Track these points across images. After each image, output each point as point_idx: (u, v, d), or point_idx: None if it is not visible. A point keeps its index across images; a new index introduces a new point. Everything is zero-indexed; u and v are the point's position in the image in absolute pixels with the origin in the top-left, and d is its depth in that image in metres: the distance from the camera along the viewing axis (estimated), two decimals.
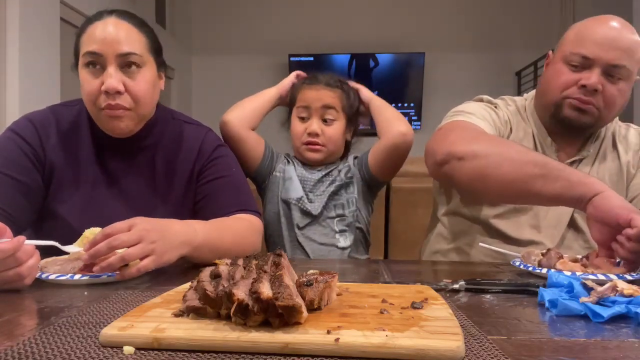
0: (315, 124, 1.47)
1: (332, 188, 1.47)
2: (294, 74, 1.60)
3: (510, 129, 1.29)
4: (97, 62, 1.05)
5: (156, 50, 1.14)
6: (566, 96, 1.18)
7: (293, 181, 1.48)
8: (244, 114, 1.48)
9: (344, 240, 1.47)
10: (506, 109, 1.32)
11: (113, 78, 1.04)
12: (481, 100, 1.34)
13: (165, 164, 1.19)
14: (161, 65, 1.16)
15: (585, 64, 1.15)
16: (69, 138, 1.14)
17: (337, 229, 1.47)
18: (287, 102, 1.57)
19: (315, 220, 1.47)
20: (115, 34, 1.05)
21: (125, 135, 1.12)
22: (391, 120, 1.47)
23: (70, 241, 0.95)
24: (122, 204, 1.14)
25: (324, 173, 1.50)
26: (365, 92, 1.58)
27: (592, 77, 1.14)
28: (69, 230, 1.09)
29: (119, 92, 1.04)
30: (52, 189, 1.12)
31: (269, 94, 1.55)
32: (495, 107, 1.31)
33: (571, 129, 1.22)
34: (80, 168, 1.13)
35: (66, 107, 1.18)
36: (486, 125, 1.20)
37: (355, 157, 1.57)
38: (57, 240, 0.92)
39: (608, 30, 1.15)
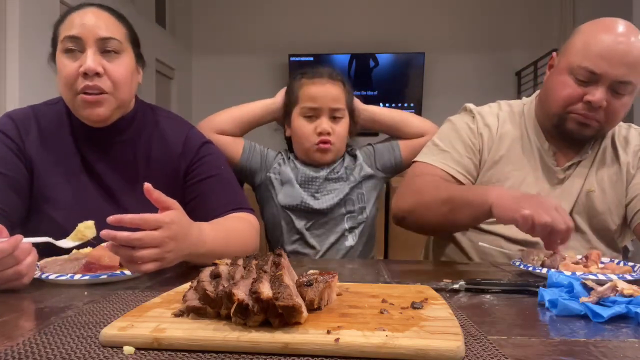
0: (325, 123, 1.42)
1: (346, 189, 1.45)
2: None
3: (495, 130, 1.30)
4: (75, 47, 1.05)
5: (134, 41, 1.14)
6: (570, 111, 1.17)
7: (292, 185, 1.45)
8: (216, 118, 1.46)
9: (352, 239, 1.46)
10: (491, 115, 1.32)
11: (91, 59, 1.03)
12: (465, 110, 1.36)
13: (146, 157, 1.18)
14: (139, 58, 1.16)
15: (591, 78, 1.13)
16: (49, 135, 1.14)
17: (347, 226, 1.46)
18: (282, 115, 1.52)
19: (323, 217, 1.44)
20: (95, 20, 1.06)
21: (103, 123, 1.11)
22: (417, 121, 1.52)
23: (56, 237, 0.94)
24: (105, 199, 1.14)
25: (328, 171, 1.47)
26: (359, 102, 1.55)
27: (597, 94, 1.12)
28: (55, 226, 1.08)
29: (97, 74, 1.04)
30: (35, 186, 1.11)
31: (258, 102, 1.51)
32: (473, 117, 1.32)
33: (572, 139, 1.22)
34: (62, 164, 1.13)
35: (47, 105, 1.18)
36: (445, 156, 1.29)
37: (362, 149, 1.54)
38: (44, 236, 0.91)
39: (616, 43, 1.11)
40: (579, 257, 1.03)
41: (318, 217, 1.45)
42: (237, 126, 1.47)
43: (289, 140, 1.55)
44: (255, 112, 1.50)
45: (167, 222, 0.83)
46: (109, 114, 1.09)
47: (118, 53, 1.08)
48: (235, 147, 1.46)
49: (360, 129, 1.55)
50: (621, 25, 1.14)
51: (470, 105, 1.35)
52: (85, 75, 1.03)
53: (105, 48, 1.06)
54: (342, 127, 1.45)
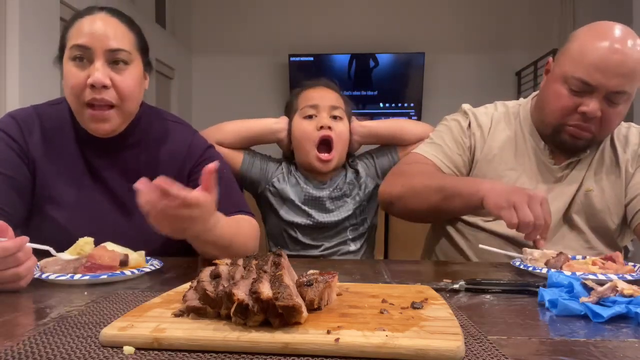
0: (325, 118, 1.42)
1: (351, 209, 1.45)
2: None
3: (488, 130, 1.32)
4: (84, 56, 1.04)
5: (143, 49, 1.14)
6: (566, 123, 1.17)
7: (295, 205, 1.44)
8: (219, 130, 1.46)
9: (355, 245, 1.47)
10: (485, 115, 1.33)
11: (100, 72, 1.02)
12: (461, 110, 1.38)
13: (150, 161, 1.18)
14: (147, 64, 1.16)
15: (585, 89, 1.12)
16: (52, 136, 1.13)
17: (350, 236, 1.47)
18: (287, 146, 1.52)
19: (327, 230, 1.45)
20: (104, 29, 1.04)
21: (109, 135, 1.11)
22: (415, 128, 1.51)
23: (58, 238, 0.94)
24: (108, 201, 1.13)
25: (331, 189, 1.46)
26: (354, 120, 1.53)
27: (592, 105, 1.11)
28: (58, 227, 1.09)
29: (105, 87, 1.03)
30: (37, 186, 1.11)
31: (262, 121, 1.50)
32: (466, 117, 1.34)
33: (564, 150, 1.23)
34: (65, 165, 1.13)
35: (50, 106, 1.18)
36: (436, 149, 1.31)
37: (361, 159, 1.54)
38: (46, 237, 0.91)
39: (611, 53, 1.09)
40: (580, 257, 1.03)
41: (322, 231, 1.46)
42: (239, 141, 1.47)
43: (291, 155, 1.53)
44: (257, 131, 1.49)
45: (201, 205, 0.84)
46: (115, 127, 1.09)
47: (127, 64, 1.07)
48: (234, 158, 1.46)
49: (359, 146, 1.55)
50: (617, 30, 1.12)
51: (466, 106, 1.38)
52: (93, 87, 1.03)
53: (113, 59, 1.05)
54: (341, 128, 1.45)
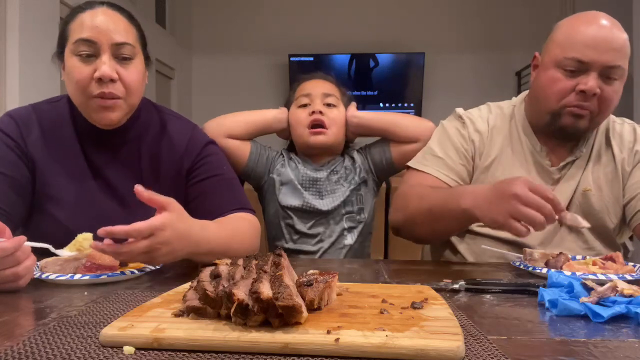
0: (317, 105, 1.45)
1: (347, 192, 1.46)
2: None
3: (486, 136, 1.30)
4: (89, 50, 1.04)
5: (144, 43, 1.15)
6: (565, 104, 1.16)
7: (293, 186, 1.46)
8: (226, 121, 1.45)
9: (351, 238, 1.47)
10: (481, 119, 1.32)
11: (107, 65, 1.03)
12: (455, 115, 1.35)
13: (150, 156, 1.18)
14: (147, 58, 1.16)
15: (580, 68, 1.12)
16: (51, 134, 1.13)
17: (345, 226, 1.47)
18: (287, 134, 1.53)
19: (324, 217, 1.46)
20: (108, 23, 1.05)
21: (113, 126, 1.11)
22: (411, 125, 1.47)
23: (58, 236, 0.94)
24: (109, 198, 1.13)
25: (329, 171, 1.48)
26: (350, 109, 1.53)
27: (590, 81, 1.11)
28: (58, 225, 1.09)
29: (112, 80, 1.04)
30: (37, 185, 1.11)
31: (269, 111, 1.52)
32: (463, 124, 1.31)
33: (566, 135, 1.22)
34: (65, 163, 1.12)
35: (48, 104, 1.17)
36: (439, 163, 1.28)
37: (358, 151, 1.56)
38: (46, 235, 0.91)
39: (599, 31, 1.12)
40: (581, 257, 1.03)
41: (319, 217, 1.46)
42: (248, 131, 1.47)
43: (290, 144, 1.57)
44: (266, 120, 1.50)
45: (159, 229, 0.81)
46: (120, 118, 1.10)
47: (131, 58, 1.08)
48: (242, 150, 1.46)
49: (354, 137, 1.55)
50: (602, 18, 1.15)
51: (460, 111, 1.35)
52: (100, 80, 1.03)
53: (119, 53, 1.05)
54: (336, 114, 1.47)
